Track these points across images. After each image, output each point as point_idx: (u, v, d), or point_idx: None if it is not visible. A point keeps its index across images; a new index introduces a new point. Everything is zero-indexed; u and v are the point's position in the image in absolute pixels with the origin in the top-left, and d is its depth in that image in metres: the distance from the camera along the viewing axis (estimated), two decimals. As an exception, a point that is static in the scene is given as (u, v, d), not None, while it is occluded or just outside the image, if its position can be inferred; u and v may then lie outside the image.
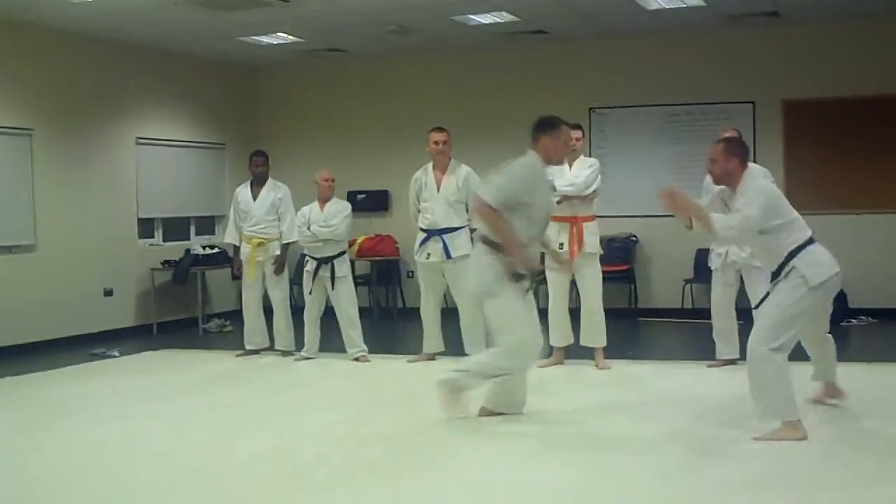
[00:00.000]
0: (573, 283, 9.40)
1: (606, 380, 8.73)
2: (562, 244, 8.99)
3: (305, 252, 10.26)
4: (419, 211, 9.74)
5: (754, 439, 6.20)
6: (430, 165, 9.71)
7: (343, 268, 10.07)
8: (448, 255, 9.49)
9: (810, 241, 6.35)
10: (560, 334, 9.30)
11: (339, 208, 10.06)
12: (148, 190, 13.07)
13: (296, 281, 11.37)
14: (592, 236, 9.18)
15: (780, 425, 6.25)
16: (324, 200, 10.08)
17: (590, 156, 10.14)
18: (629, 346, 9.73)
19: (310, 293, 10.09)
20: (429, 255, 9.61)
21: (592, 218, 9.24)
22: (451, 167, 9.61)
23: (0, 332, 10.95)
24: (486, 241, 6.94)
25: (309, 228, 9.97)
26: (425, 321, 9.86)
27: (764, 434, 6.24)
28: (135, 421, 7.40)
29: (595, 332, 9.24)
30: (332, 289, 10.01)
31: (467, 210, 9.49)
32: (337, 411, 7.62)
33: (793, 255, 6.28)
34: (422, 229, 9.68)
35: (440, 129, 9.64)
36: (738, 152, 6.55)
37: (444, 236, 9.52)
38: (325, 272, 10.00)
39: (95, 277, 12.22)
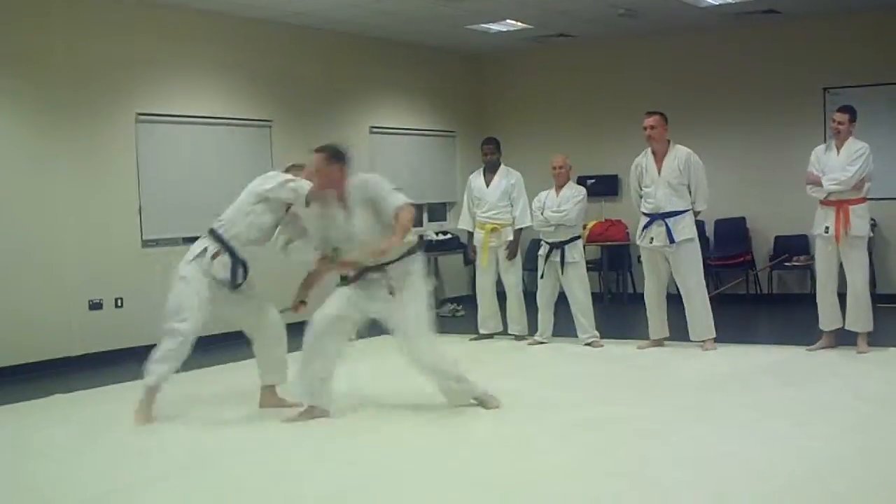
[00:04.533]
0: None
1: (860, 364, 8.59)
2: (827, 227, 8.98)
3: (540, 236, 10.33)
4: (641, 196, 9.72)
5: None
6: (649, 150, 9.67)
7: (575, 253, 10.08)
8: (671, 240, 9.43)
9: None
10: (829, 317, 9.24)
11: (573, 193, 10.08)
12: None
13: (528, 266, 11.43)
14: (860, 220, 9.00)
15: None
16: (559, 186, 10.15)
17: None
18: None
19: (541, 277, 10.18)
20: (652, 239, 9.56)
21: (862, 200, 9.04)
22: (671, 150, 9.55)
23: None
24: None
25: (542, 213, 10.07)
26: (649, 307, 9.83)
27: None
28: (372, 403, 7.65)
29: (860, 316, 9.08)
30: (563, 273, 10.07)
31: (690, 193, 9.46)
32: (570, 395, 7.74)
33: None
34: (644, 214, 9.65)
35: (649, 114, 9.59)
36: None
37: (667, 220, 9.45)
38: (556, 257, 10.07)
39: (333, 264, 12.50)
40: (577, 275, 10.10)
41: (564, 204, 10.01)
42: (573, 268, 10.06)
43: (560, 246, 10.05)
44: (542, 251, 10.20)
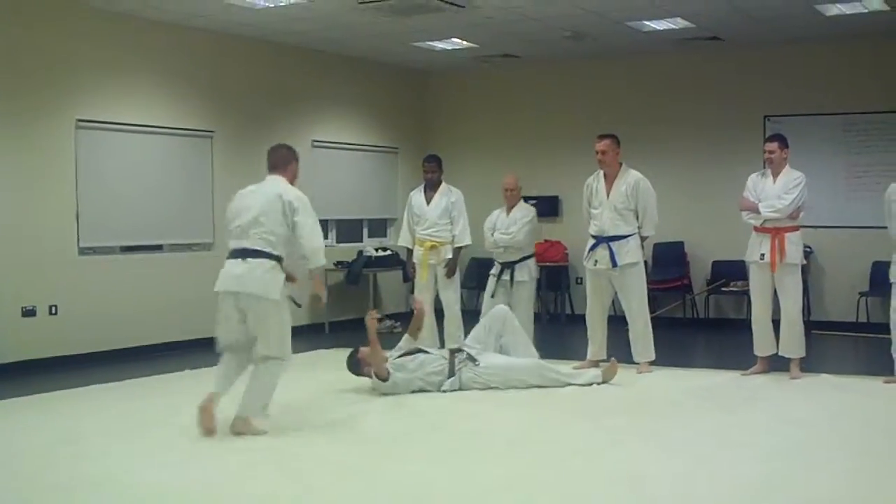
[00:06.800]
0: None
1: (792, 389, 8.68)
2: (763, 254, 9.08)
3: (493, 256, 10.47)
4: (590, 217, 9.76)
5: None
6: (601, 171, 9.72)
7: (523, 273, 10.27)
8: (614, 264, 9.49)
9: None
10: (763, 343, 9.33)
11: (522, 214, 10.26)
12: (322, 192, 13.31)
13: (467, 284, 11.44)
14: (795, 247, 9.13)
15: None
16: (510, 207, 10.32)
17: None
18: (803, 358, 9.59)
19: (492, 296, 10.29)
20: (596, 262, 9.62)
21: (796, 229, 9.19)
22: (621, 174, 9.60)
23: (180, 328, 11.37)
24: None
25: (493, 235, 10.19)
26: (590, 328, 9.87)
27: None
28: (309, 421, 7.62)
29: (793, 342, 9.20)
30: (511, 292, 10.21)
31: (637, 217, 9.51)
32: (502, 412, 7.75)
33: None
34: (592, 236, 9.70)
35: (600, 137, 9.64)
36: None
37: (611, 244, 9.50)
38: (506, 276, 10.24)
39: (271, 276, 12.40)
40: (524, 295, 10.27)
41: (512, 226, 10.17)
42: (520, 287, 10.22)
43: (511, 266, 10.18)
44: (495, 270, 10.39)
